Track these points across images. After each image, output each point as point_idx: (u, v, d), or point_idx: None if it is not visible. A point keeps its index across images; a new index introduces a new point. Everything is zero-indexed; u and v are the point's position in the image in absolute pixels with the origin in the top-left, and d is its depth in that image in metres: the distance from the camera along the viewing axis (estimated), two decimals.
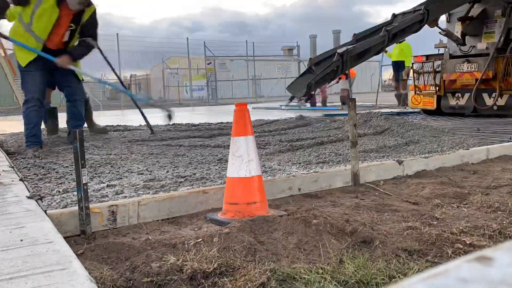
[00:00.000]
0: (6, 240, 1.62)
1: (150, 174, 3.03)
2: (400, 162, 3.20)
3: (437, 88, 7.88)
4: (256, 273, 1.48)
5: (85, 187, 1.99)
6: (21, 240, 1.61)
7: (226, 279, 1.48)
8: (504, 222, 2.01)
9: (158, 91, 31.65)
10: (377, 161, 3.32)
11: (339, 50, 4.27)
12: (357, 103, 2.97)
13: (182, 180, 2.78)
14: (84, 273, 1.31)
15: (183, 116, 9.83)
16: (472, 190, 2.66)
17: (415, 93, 8.28)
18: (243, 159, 2.20)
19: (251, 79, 23.38)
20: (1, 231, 1.73)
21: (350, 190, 2.79)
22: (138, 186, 2.64)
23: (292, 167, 3.19)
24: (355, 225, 1.95)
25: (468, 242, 1.75)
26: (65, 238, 1.74)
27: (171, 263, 1.57)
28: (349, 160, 2.99)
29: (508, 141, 4.21)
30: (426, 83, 8.06)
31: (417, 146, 4.07)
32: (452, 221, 2.08)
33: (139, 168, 3.28)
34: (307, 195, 2.71)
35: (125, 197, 2.37)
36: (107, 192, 2.49)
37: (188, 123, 7.34)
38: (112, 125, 6.94)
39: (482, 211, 2.23)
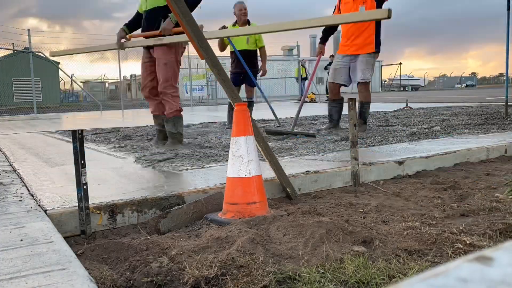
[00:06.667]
0: (6, 240, 1.62)
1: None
2: (400, 162, 3.20)
3: None
4: (258, 275, 1.48)
5: (85, 187, 1.99)
6: (21, 240, 1.61)
7: (227, 279, 1.48)
8: (505, 222, 2.01)
9: None
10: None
11: None
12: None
13: None
14: (84, 273, 1.31)
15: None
16: (472, 190, 2.65)
17: None
18: (243, 159, 2.20)
19: None
20: (1, 231, 1.73)
21: (350, 190, 2.79)
22: None
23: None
24: (355, 225, 1.95)
25: (468, 242, 1.75)
26: (65, 238, 1.74)
27: (171, 263, 1.57)
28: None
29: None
30: None
31: None
32: (452, 221, 2.08)
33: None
34: (307, 195, 2.71)
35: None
36: None
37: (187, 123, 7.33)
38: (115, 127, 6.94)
39: (482, 211, 2.22)
